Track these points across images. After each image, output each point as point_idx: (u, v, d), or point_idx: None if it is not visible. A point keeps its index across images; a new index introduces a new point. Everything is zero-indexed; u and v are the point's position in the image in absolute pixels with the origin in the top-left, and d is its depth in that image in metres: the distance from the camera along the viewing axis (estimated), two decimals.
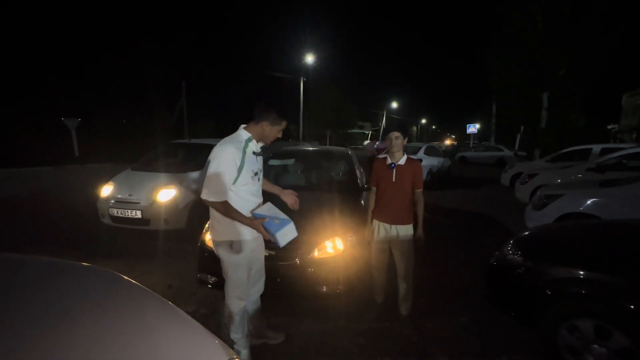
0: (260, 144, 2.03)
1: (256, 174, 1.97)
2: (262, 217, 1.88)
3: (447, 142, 45.00)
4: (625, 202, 3.56)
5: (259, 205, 2.00)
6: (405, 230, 2.44)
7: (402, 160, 2.41)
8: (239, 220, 1.86)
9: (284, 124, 1.99)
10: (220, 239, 1.96)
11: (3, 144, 12.51)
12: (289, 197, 2.11)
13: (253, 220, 1.88)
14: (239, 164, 1.82)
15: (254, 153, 1.94)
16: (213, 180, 1.79)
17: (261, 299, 2.26)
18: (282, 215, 1.91)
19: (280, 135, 2.03)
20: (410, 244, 2.45)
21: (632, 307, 1.69)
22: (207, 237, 2.62)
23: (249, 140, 1.92)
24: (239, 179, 1.85)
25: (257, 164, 1.98)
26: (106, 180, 4.88)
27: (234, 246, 1.94)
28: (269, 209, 1.95)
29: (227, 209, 1.84)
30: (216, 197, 1.81)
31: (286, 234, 1.86)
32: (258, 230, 1.88)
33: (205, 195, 1.82)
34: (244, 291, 2.02)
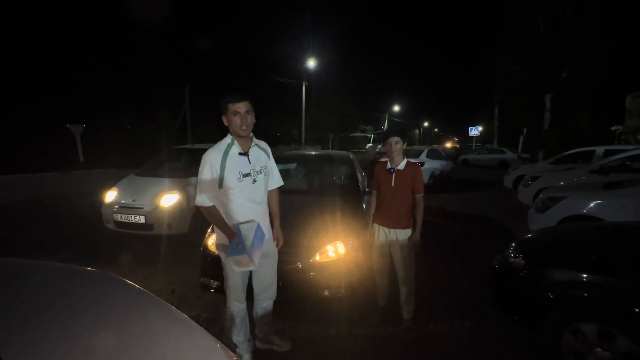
0: (254, 144, 1.98)
1: (246, 175, 1.89)
2: (238, 234, 1.83)
3: (448, 144, 44.73)
4: (629, 204, 3.54)
5: (258, 213, 1.98)
6: (404, 235, 2.43)
7: (402, 165, 2.42)
8: (220, 228, 1.89)
9: (231, 106, 1.83)
10: (219, 242, 1.99)
11: (9, 150, 12.65)
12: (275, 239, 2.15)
13: (231, 232, 1.86)
14: (218, 167, 1.82)
15: (240, 154, 1.90)
16: (199, 186, 1.85)
17: None
18: (249, 242, 1.79)
19: (248, 121, 1.87)
20: (410, 248, 2.45)
21: (636, 310, 1.67)
22: (210, 242, 2.64)
23: (231, 143, 1.90)
24: (224, 182, 1.84)
25: (247, 165, 1.91)
26: (110, 185, 4.92)
27: None
28: (247, 229, 1.85)
29: (210, 215, 1.87)
30: (203, 202, 1.85)
31: (239, 261, 1.77)
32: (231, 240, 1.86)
33: (196, 201, 1.87)
34: (240, 294, 2.03)
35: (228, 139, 1.91)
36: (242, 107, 1.85)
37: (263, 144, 2.08)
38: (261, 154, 2.03)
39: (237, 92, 1.85)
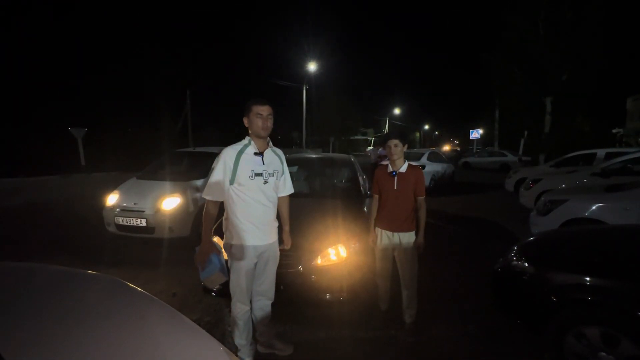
0: (270, 148, 2.05)
1: (259, 175, 1.95)
2: (216, 248, 1.98)
3: (446, 147, 44.40)
4: (631, 207, 3.52)
5: (265, 214, 2.02)
6: (408, 238, 2.43)
7: (404, 168, 2.42)
8: (205, 227, 1.94)
9: (255, 108, 1.94)
10: (225, 241, 2.03)
11: (11, 154, 12.70)
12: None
13: (208, 241, 1.94)
14: (232, 164, 1.90)
15: (255, 154, 1.97)
16: (210, 180, 1.93)
17: None
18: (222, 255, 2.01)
19: (268, 124, 1.97)
20: (413, 251, 2.45)
21: None
22: None
23: (248, 143, 1.98)
24: (236, 178, 1.91)
25: (260, 165, 1.97)
26: (112, 189, 4.93)
27: (234, 250, 1.97)
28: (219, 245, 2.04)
29: (208, 211, 1.94)
30: (205, 195, 1.94)
31: (214, 280, 1.96)
32: (200, 252, 1.92)
33: (204, 193, 1.95)
34: (244, 296, 2.04)
35: (245, 140, 2.00)
36: (265, 110, 1.95)
37: (278, 150, 2.15)
38: (275, 159, 2.09)
39: (262, 97, 1.97)
